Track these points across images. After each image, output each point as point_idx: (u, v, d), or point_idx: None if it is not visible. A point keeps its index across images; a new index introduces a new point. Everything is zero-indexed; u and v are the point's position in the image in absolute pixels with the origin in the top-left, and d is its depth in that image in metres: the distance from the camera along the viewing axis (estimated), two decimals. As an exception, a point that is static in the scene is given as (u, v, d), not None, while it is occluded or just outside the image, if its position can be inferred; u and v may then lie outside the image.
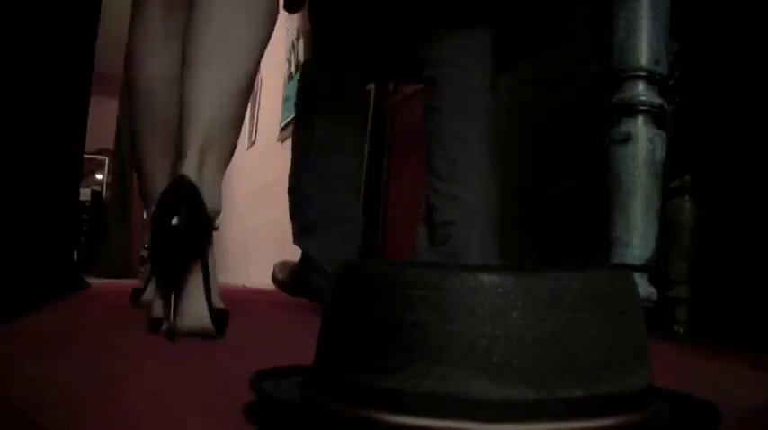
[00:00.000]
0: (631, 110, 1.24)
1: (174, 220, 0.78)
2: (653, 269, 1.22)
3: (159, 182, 1.06)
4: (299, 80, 1.80)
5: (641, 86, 1.24)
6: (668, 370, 0.57)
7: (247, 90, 0.97)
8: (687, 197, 1.30)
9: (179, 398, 0.52)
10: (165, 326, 0.85)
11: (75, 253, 4.30)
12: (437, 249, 1.44)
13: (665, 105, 1.26)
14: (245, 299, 2.69)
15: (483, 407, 0.35)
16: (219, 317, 0.87)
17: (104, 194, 7.46)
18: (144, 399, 0.51)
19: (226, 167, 0.94)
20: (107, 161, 8.04)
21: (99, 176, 8.42)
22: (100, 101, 3.44)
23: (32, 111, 1.33)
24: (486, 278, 0.37)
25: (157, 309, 0.88)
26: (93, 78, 2.15)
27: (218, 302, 0.88)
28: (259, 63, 1.00)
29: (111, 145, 6.53)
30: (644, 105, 1.24)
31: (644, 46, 1.24)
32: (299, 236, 1.69)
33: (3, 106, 1.12)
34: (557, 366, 0.36)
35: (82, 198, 5.11)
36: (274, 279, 1.94)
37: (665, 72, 1.26)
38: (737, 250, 1.23)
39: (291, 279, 1.83)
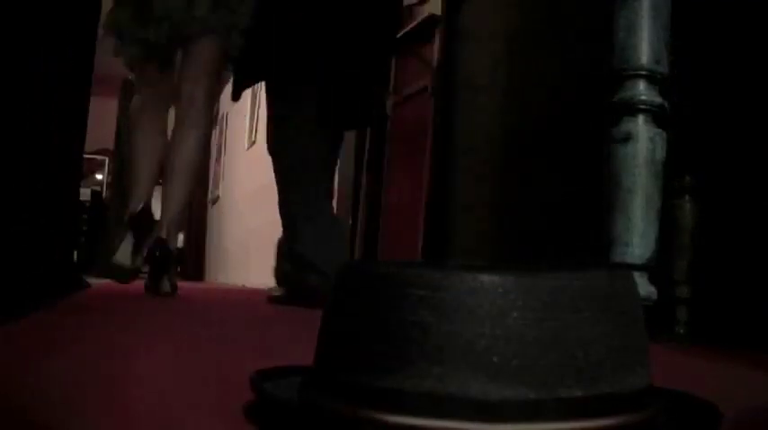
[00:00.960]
0: (632, 109, 1.24)
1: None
2: (653, 268, 1.22)
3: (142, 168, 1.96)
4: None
5: (642, 86, 1.24)
6: (668, 370, 0.57)
7: (194, 184, 2.20)
8: (687, 197, 1.30)
9: (179, 398, 0.52)
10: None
11: (75, 253, 4.29)
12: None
13: (666, 105, 1.26)
14: (245, 299, 2.69)
15: (483, 407, 0.35)
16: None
17: (104, 194, 7.46)
18: (144, 399, 0.51)
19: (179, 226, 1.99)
20: (107, 161, 8.04)
21: (99, 176, 8.42)
22: (100, 101, 3.44)
23: (32, 111, 1.34)
24: (486, 278, 0.37)
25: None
26: (93, 78, 2.15)
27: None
28: (198, 173, 2.14)
29: (111, 145, 6.53)
30: (644, 104, 1.23)
31: (645, 45, 1.24)
32: (290, 241, 2.01)
33: (3, 106, 1.12)
34: (556, 366, 0.36)
35: (82, 198, 5.10)
36: (270, 298, 2.12)
37: (665, 71, 1.26)
38: (738, 250, 1.23)
39: (288, 287, 2.03)
